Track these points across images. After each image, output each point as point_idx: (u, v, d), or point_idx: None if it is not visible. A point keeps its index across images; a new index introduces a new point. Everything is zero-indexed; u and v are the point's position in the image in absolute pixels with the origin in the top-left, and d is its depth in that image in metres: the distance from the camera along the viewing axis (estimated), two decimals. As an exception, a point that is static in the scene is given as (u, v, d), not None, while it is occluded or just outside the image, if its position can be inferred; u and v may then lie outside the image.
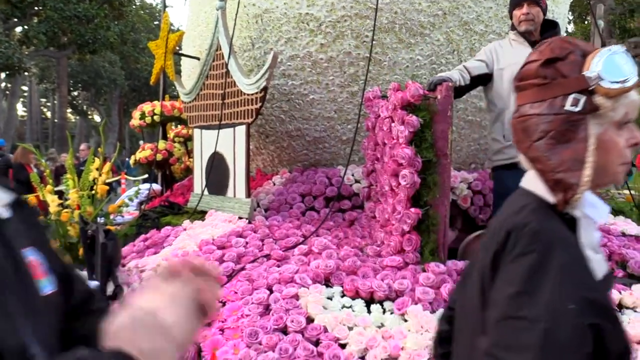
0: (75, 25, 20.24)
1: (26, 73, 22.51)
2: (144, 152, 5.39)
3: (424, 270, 2.78)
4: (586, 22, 18.14)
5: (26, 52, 20.01)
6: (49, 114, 40.31)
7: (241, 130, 3.71)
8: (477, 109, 4.04)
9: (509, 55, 3.23)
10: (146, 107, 5.51)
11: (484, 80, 3.32)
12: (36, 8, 20.93)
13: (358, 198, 3.83)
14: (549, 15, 4.04)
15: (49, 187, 4.23)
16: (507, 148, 3.22)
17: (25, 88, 34.12)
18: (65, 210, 4.14)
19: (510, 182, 3.22)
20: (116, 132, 29.34)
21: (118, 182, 12.65)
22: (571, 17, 18.47)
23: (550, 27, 3.30)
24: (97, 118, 36.03)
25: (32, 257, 0.85)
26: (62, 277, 0.92)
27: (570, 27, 19.18)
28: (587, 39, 14.65)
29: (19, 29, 21.82)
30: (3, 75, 19.77)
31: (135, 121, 5.60)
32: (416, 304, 2.53)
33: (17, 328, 0.76)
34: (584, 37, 16.74)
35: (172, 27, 5.12)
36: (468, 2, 3.85)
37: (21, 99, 35.63)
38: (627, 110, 1.00)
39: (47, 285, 0.86)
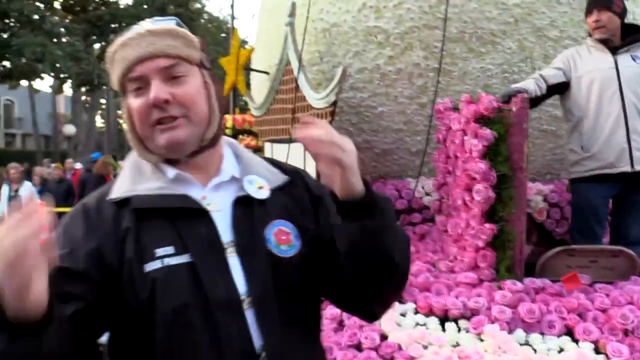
0: (148, 41, 21.26)
1: (104, 87, 23.81)
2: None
3: (500, 288, 2.71)
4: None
5: (104, 68, 21.18)
6: (124, 125, 42.31)
7: (311, 144, 3.76)
8: (552, 117, 3.89)
9: (588, 62, 3.11)
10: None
11: (561, 88, 3.21)
12: (112, 26, 22.16)
13: (429, 211, 3.78)
14: (630, 18, 3.85)
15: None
16: (585, 160, 3.10)
17: (103, 101, 36.02)
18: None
19: (591, 195, 3.13)
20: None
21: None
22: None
23: (632, 31, 3.16)
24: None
25: (279, 227, 1.08)
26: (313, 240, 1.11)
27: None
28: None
29: (97, 46, 23.14)
30: (83, 89, 21.00)
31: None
32: (493, 323, 2.47)
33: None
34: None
35: (243, 42, 5.26)
36: (541, 8, 3.73)
37: (99, 112, 37.68)
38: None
39: (288, 250, 1.07)
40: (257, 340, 1.01)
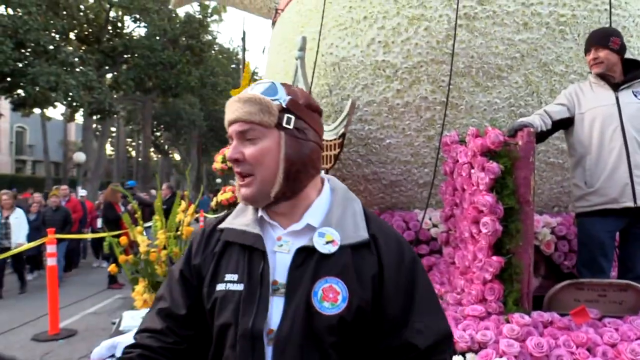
0: (160, 71, 21.63)
1: (115, 116, 24.14)
2: (225, 194, 5.62)
3: (507, 321, 2.70)
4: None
5: (115, 97, 21.49)
6: (133, 153, 42.73)
7: (319, 175, 3.81)
8: (559, 150, 3.93)
9: (590, 99, 3.16)
10: (227, 151, 5.76)
11: (565, 124, 3.25)
12: (125, 56, 22.58)
13: (436, 243, 3.79)
14: (633, 53, 3.91)
15: (139, 227, 4.50)
16: (589, 195, 3.11)
17: (113, 129, 36.46)
18: (153, 250, 4.37)
19: (594, 230, 3.14)
20: (195, 170, 30.61)
21: (196, 220, 13.08)
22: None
23: (633, 67, 3.20)
24: (177, 157, 37.81)
25: (331, 284, 1.17)
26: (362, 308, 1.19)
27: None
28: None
29: (109, 76, 23.53)
30: (95, 118, 21.28)
31: (217, 164, 5.87)
32: (501, 357, 2.46)
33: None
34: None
35: (253, 74, 5.37)
36: (547, 44, 3.80)
37: (109, 139, 38.08)
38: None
39: (330, 308, 1.16)
40: None
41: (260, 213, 1.29)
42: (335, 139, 3.68)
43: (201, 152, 32.17)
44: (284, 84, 1.30)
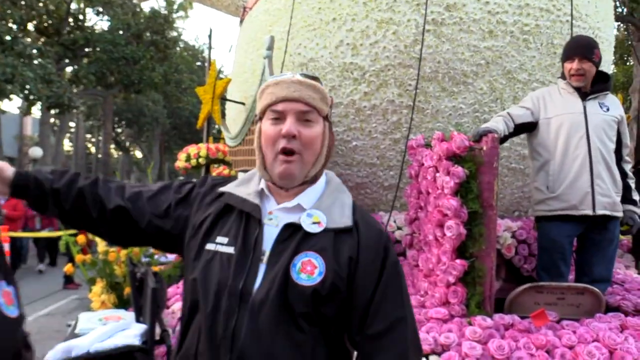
0: (122, 66, 21.14)
1: (74, 110, 23.49)
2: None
3: (470, 324, 2.73)
4: (628, 64, 17.88)
5: (75, 91, 20.92)
6: (93, 149, 41.70)
7: (285, 176, 3.78)
8: (521, 156, 4.02)
9: (558, 105, 3.21)
10: (192, 149, 5.68)
11: (527, 128, 3.31)
12: (86, 50, 21.99)
13: (400, 245, 3.81)
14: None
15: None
16: (550, 199, 3.18)
17: (72, 124, 35.49)
18: (112, 250, 4.26)
19: (554, 234, 3.21)
20: (157, 168, 30.08)
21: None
22: (612, 59, 18.27)
23: (601, 79, 3.27)
24: (138, 154, 37.08)
25: (310, 258, 1.27)
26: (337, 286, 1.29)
27: (612, 69, 18.93)
28: (630, 80, 14.41)
29: (69, 69, 22.88)
30: (53, 112, 20.66)
31: (180, 163, 5.77)
32: (463, 359, 2.49)
33: None
34: (626, 79, 16.49)
35: (218, 73, 5.30)
36: (511, 52, 3.88)
37: (68, 135, 37.05)
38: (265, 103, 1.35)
39: (306, 280, 1.25)
40: (244, 336, 1.23)
41: (261, 186, 1.39)
42: (302, 140, 3.65)
43: (164, 150, 31.64)
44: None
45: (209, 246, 1.33)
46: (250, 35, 4.92)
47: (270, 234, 1.32)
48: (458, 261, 2.83)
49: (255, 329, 1.23)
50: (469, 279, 2.87)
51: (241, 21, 5.62)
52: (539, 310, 2.73)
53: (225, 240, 1.32)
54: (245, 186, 1.41)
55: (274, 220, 1.34)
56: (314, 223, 1.31)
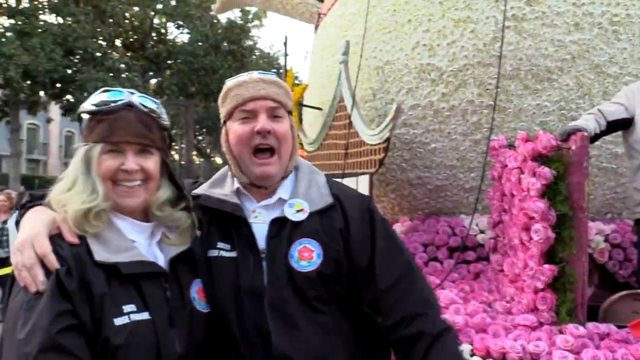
0: (202, 77, 22.04)
1: (158, 120, 24.65)
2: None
3: (561, 332, 2.61)
4: None
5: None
6: (176, 157, 43.60)
7: (364, 180, 3.78)
8: (613, 155, 3.79)
9: None
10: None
11: (622, 125, 3.11)
12: (169, 62, 23.12)
13: (483, 249, 3.71)
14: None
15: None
16: None
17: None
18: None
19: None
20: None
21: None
22: None
23: None
24: (218, 160, 38.36)
25: (305, 245, 1.32)
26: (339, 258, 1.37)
27: None
28: None
29: (153, 81, 24.11)
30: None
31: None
32: (554, 369, 2.38)
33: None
34: None
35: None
36: (599, 45, 3.67)
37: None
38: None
39: (307, 266, 1.30)
40: (275, 334, 1.26)
41: (236, 185, 1.40)
42: (379, 143, 3.65)
43: (241, 156, 32.62)
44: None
45: (212, 253, 1.36)
46: (325, 41, 4.97)
47: (260, 231, 1.35)
48: (547, 266, 2.71)
49: (281, 323, 1.27)
50: (558, 284, 2.74)
51: (316, 27, 5.69)
52: (638, 319, 2.56)
53: (228, 246, 1.35)
54: (220, 187, 1.42)
55: (259, 217, 1.37)
56: (298, 211, 1.35)
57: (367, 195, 1.51)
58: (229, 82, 1.41)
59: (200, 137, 37.16)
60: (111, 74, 18.38)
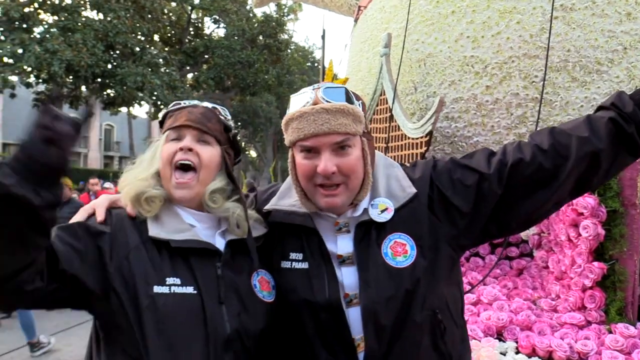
0: (238, 70, 22.18)
1: (195, 114, 24.93)
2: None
3: (610, 332, 2.53)
4: None
5: (196, 95, 22.27)
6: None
7: (404, 173, 3.74)
8: (665, 150, 3.65)
9: None
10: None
11: None
12: (206, 56, 23.33)
13: (526, 245, 3.63)
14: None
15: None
16: None
17: (193, 127, 37.72)
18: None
19: None
20: (270, 167, 31.15)
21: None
22: None
23: None
24: (253, 153, 38.67)
25: (395, 240, 1.27)
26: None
27: None
28: None
29: (190, 75, 24.40)
30: (177, 116, 22.07)
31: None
32: (604, 369, 2.32)
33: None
34: None
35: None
36: (653, 35, 3.53)
37: (190, 137, 39.41)
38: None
39: (404, 260, 1.25)
40: (356, 333, 1.23)
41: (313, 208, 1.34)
42: (421, 137, 3.60)
43: (277, 149, 32.72)
44: (344, 87, 1.31)
45: (284, 264, 1.33)
46: (365, 34, 4.92)
47: (345, 238, 1.31)
48: (596, 264, 2.64)
49: (375, 330, 1.22)
50: (608, 283, 2.67)
51: (355, 20, 5.64)
52: (693, 319, 2.47)
53: (300, 256, 1.32)
54: (288, 196, 1.38)
55: (344, 228, 1.32)
56: (383, 211, 1.29)
57: (428, 160, 1.39)
58: (291, 109, 1.28)
59: (235, 131, 37.50)
60: (150, 69, 18.67)
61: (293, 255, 1.32)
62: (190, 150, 1.28)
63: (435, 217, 1.28)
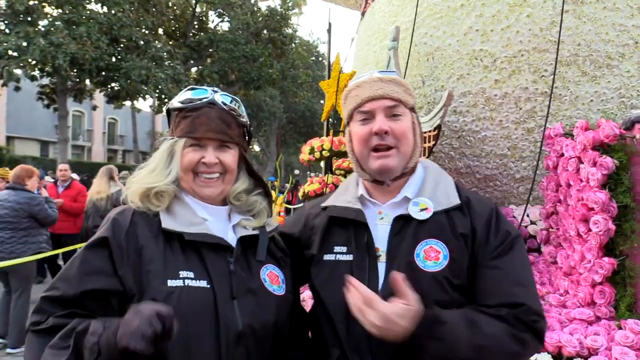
0: (243, 64, 22.16)
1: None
2: (312, 185, 5.63)
3: (619, 328, 2.52)
4: None
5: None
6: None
7: (412, 168, 3.72)
8: (675, 145, 3.62)
9: None
10: (315, 142, 5.77)
11: None
12: (210, 50, 23.31)
13: (534, 240, 3.61)
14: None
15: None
16: None
17: (197, 121, 37.68)
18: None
19: None
20: (274, 161, 31.14)
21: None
22: None
23: None
24: (257, 148, 38.66)
25: (431, 245, 1.28)
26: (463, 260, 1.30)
27: None
28: None
29: (194, 69, 24.38)
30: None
31: (304, 156, 5.89)
32: (614, 365, 2.30)
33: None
34: None
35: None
36: (664, 29, 3.50)
37: (193, 131, 39.36)
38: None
39: (434, 266, 1.25)
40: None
41: (360, 192, 1.41)
42: (429, 131, 3.58)
43: (280, 144, 32.71)
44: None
45: (329, 256, 1.35)
46: (372, 27, 4.90)
47: (382, 231, 1.33)
48: (606, 259, 2.62)
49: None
50: (618, 278, 2.65)
51: (362, 13, 5.62)
52: None
53: (344, 249, 1.34)
54: (344, 195, 1.44)
55: (385, 218, 1.35)
56: (422, 210, 1.31)
57: (505, 217, 1.38)
58: (350, 84, 1.41)
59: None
60: (154, 62, 18.66)
61: (338, 249, 1.35)
62: (214, 163, 1.30)
63: (469, 242, 1.30)
